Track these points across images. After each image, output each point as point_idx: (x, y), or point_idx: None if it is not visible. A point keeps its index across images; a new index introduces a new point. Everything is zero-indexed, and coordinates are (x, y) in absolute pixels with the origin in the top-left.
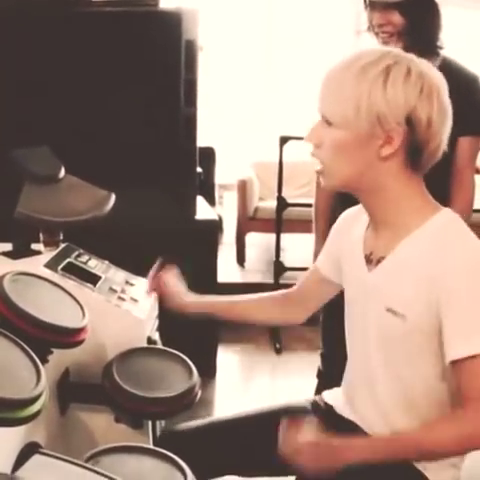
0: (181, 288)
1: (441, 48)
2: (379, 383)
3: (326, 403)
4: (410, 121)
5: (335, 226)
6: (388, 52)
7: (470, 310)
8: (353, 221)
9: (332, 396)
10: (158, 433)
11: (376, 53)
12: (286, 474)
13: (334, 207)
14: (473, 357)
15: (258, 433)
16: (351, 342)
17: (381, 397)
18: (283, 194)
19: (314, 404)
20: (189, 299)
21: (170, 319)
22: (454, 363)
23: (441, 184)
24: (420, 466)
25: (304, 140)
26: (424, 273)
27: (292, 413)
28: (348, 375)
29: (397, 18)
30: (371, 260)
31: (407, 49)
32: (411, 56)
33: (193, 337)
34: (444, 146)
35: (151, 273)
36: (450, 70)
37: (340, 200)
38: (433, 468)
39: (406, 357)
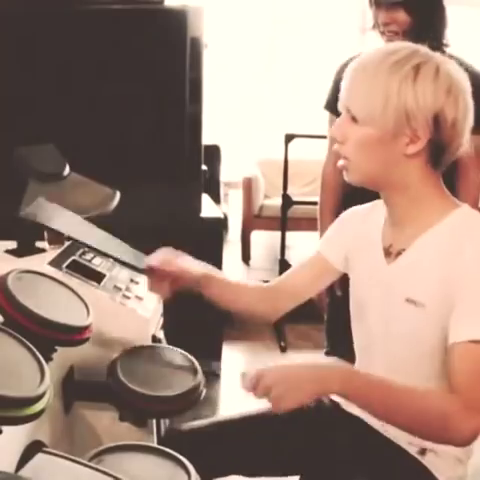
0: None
1: (447, 46)
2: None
3: (331, 400)
4: (437, 120)
5: (342, 218)
6: (417, 50)
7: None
8: (364, 217)
9: None
10: (162, 432)
11: (405, 50)
12: (290, 474)
13: (340, 204)
14: (474, 342)
15: (262, 433)
16: (367, 337)
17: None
18: (288, 192)
19: (318, 402)
20: (191, 272)
21: (175, 317)
22: (453, 346)
23: (447, 182)
24: (426, 462)
25: (330, 134)
26: (443, 265)
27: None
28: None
29: (402, 16)
30: (390, 253)
31: None
32: (439, 55)
33: (198, 335)
34: (464, 145)
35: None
36: None
37: (347, 197)
38: (439, 463)
39: (429, 350)
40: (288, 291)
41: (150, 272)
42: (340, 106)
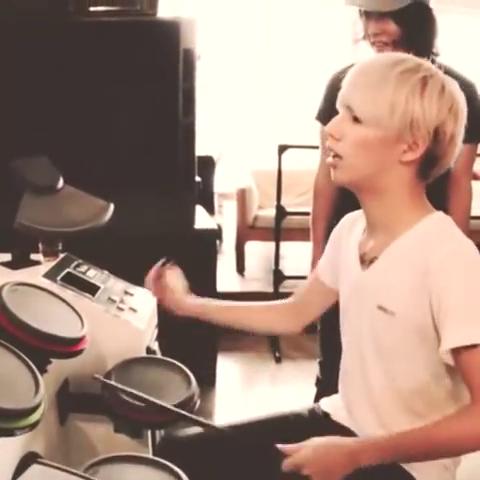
0: (181, 290)
1: (437, 55)
2: (374, 384)
3: (323, 411)
4: (437, 133)
5: (333, 233)
6: (421, 63)
7: (465, 301)
8: (351, 226)
9: (329, 403)
10: (158, 442)
11: (412, 61)
12: None
13: (332, 214)
14: (473, 347)
15: (256, 441)
16: (346, 344)
17: (377, 398)
18: (282, 202)
19: (311, 412)
20: (187, 302)
21: (169, 328)
22: (454, 352)
23: (438, 191)
24: (412, 469)
25: (326, 130)
26: (414, 269)
27: (289, 422)
28: (344, 377)
29: (392, 27)
30: (365, 261)
31: None
32: (440, 72)
33: (192, 346)
34: (453, 162)
35: (152, 274)
36: None
37: (338, 208)
38: (425, 471)
39: (399, 357)
40: (298, 310)
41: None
42: (339, 105)
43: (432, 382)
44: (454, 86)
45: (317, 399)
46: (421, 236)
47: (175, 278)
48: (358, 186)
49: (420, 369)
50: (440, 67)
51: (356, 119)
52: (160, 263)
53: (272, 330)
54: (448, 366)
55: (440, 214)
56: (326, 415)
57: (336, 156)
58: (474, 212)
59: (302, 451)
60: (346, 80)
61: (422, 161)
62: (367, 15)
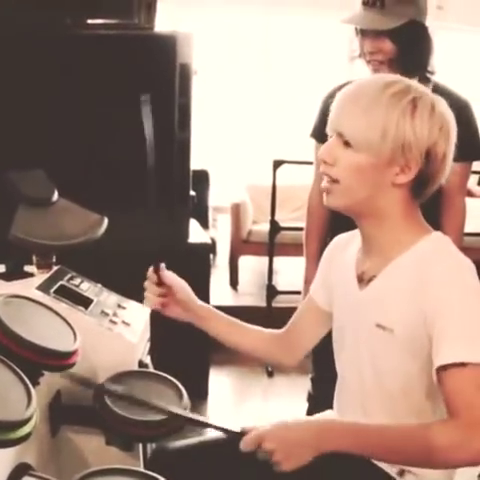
0: (187, 290)
1: (432, 73)
2: (372, 402)
3: None
4: (429, 154)
5: (325, 254)
6: (411, 84)
7: (458, 319)
8: (345, 246)
9: None
10: (149, 455)
11: (400, 83)
12: None
13: (325, 231)
14: (461, 365)
15: (246, 455)
16: (343, 362)
17: (374, 417)
18: (277, 217)
19: None
20: (197, 303)
21: (162, 342)
22: (440, 370)
23: (432, 209)
24: None
25: (319, 156)
26: (410, 287)
27: None
28: (340, 396)
29: (388, 45)
30: (363, 279)
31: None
32: (429, 91)
33: (185, 359)
34: (445, 179)
35: (151, 280)
36: (441, 96)
37: (332, 225)
38: None
39: (396, 376)
40: (300, 337)
41: (157, 283)
42: (329, 130)
43: (428, 402)
44: (443, 105)
45: (309, 415)
46: (418, 255)
47: (176, 279)
48: (352, 210)
49: (416, 389)
50: (435, 85)
51: (347, 143)
52: (152, 269)
53: (265, 359)
54: None
55: (438, 234)
56: None
57: (334, 181)
58: (469, 229)
59: (262, 426)
60: (334, 105)
61: (414, 182)
62: (363, 33)
